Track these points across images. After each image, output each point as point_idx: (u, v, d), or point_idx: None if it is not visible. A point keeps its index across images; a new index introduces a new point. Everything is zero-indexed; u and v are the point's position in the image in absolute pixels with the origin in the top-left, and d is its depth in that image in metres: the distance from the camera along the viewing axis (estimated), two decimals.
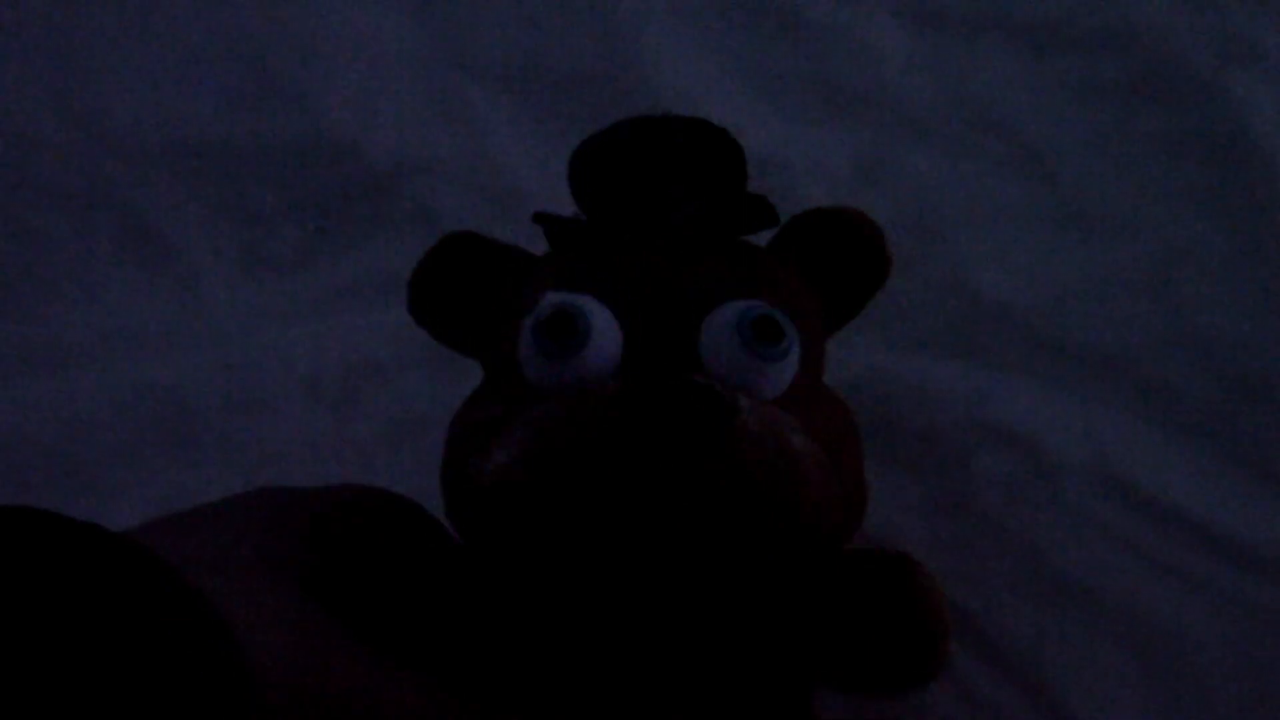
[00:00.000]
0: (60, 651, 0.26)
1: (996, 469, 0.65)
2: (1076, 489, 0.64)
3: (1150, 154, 0.73)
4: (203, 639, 0.30)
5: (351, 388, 0.69)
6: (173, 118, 0.76)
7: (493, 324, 0.47)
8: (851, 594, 0.43)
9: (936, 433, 0.66)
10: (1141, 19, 0.76)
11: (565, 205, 0.50)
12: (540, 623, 0.42)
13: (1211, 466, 0.64)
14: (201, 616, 0.30)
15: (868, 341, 0.64)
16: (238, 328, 0.72)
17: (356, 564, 0.41)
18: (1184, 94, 0.74)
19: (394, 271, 0.69)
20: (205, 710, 0.29)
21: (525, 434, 0.40)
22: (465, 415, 0.47)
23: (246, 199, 0.74)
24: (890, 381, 0.66)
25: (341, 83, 0.77)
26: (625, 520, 0.39)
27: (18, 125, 0.76)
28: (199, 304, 0.72)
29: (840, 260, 0.49)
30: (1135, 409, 0.66)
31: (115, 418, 0.68)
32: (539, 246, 0.49)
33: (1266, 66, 0.74)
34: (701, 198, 0.48)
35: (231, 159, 0.75)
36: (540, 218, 0.48)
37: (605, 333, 0.42)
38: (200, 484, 0.67)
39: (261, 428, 0.68)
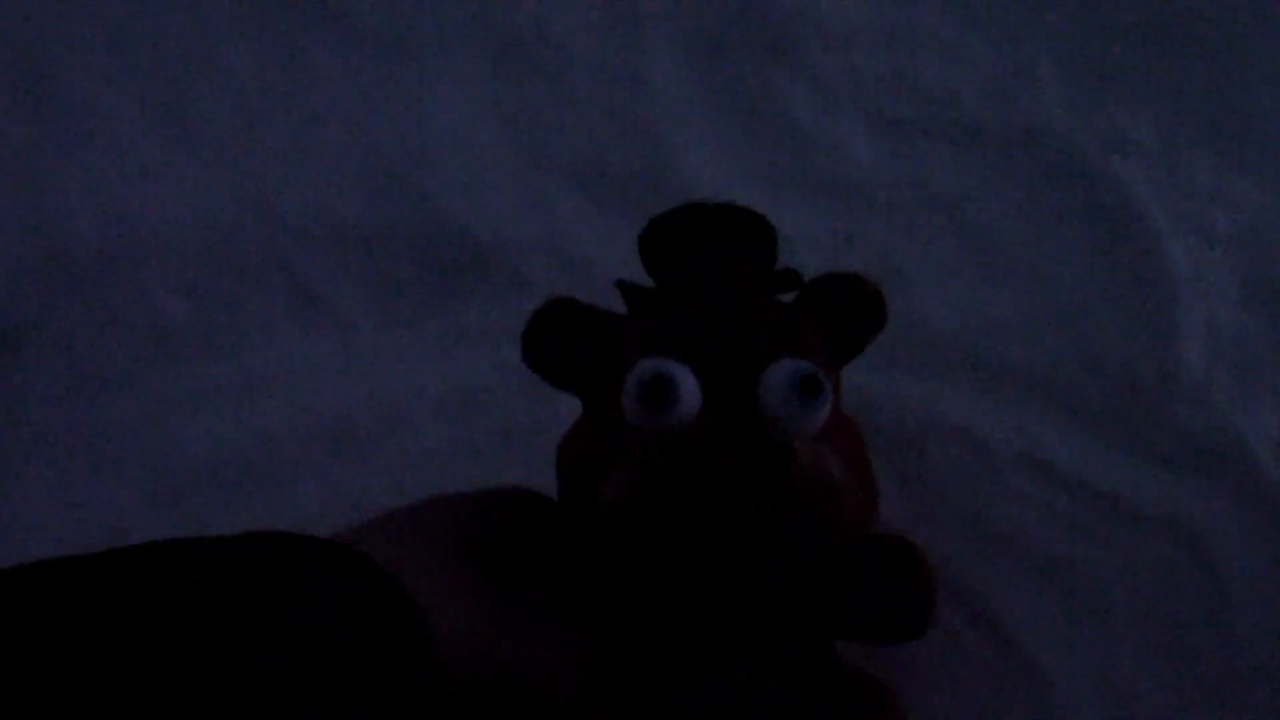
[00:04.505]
0: (301, 625, 0.30)
1: (946, 456, 0.66)
2: (1007, 469, 0.66)
3: (1054, 221, 0.74)
4: (396, 614, 0.33)
5: (468, 408, 0.70)
6: (329, 206, 0.77)
7: (590, 370, 0.47)
8: (868, 571, 0.45)
9: (900, 429, 0.67)
10: (1048, 121, 0.78)
11: (624, 270, 0.51)
12: (644, 592, 0.44)
13: (1110, 448, 0.66)
14: (397, 599, 0.33)
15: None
16: (380, 365, 0.72)
17: (512, 549, 0.42)
18: (1079, 175, 0.75)
19: (495, 322, 0.72)
20: (399, 664, 0.32)
21: (635, 473, 0.42)
22: (577, 444, 0.48)
23: (385, 267, 0.75)
24: (866, 392, 0.67)
25: (453, 181, 0.78)
26: (713, 538, 0.42)
27: (210, 214, 0.77)
28: (351, 347, 0.73)
29: (851, 313, 0.49)
30: (1050, 407, 0.68)
31: (291, 433, 0.70)
32: (611, 303, 0.50)
33: (1141, 155, 0.76)
34: (745, 267, 0.49)
35: (373, 237, 0.76)
36: (620, 285, 0.49)
37: (690, 391, 0.43)
38: (356, 481, 0.68)
39: (401, 439, 0.70)
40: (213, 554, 0.31)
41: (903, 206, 0.76)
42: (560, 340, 0.48)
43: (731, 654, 0.44)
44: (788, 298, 0.50)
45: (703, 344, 0.45)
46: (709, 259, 0.49)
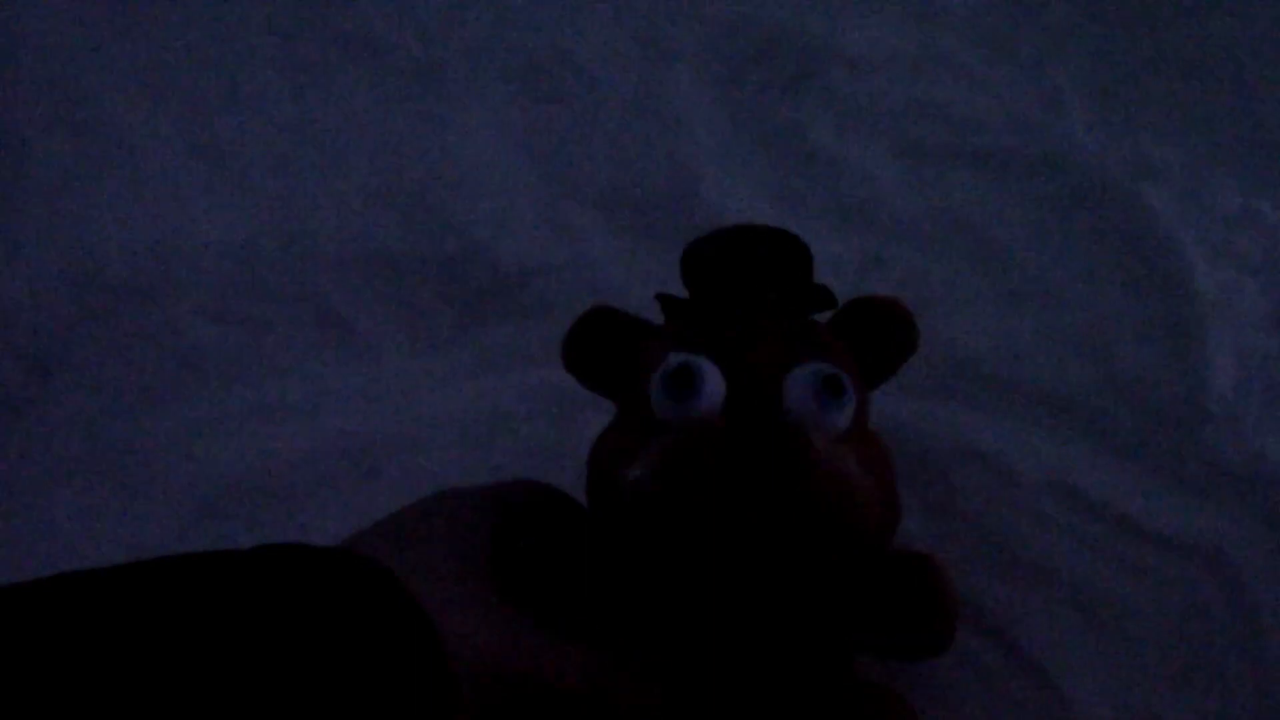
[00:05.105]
0: (312, 640, 0.30)
1: (973, 481, 0.66)
2: (1034, 495, 0.65)
3: (1081, 247, 0.74)
4: (408, 632, 0.33)
5: (491, 431, 0.71)
6: (357, 233, 0.78)
7: (626, 371, 0.49)
8: (891, 585, 0.45)
9: (927, 455, 0.67)
10: (1072, 146, 0.78)
11: (650, 296, 0.52)
12: (662, 589, 0.44)
13: (1137, 473, 0.65)
14: (408, 613, 0.33)
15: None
16: (406, 389, 0.73)
17: (528, 547, 0.43)
18: (1106, 201, 0.75)
19: (521, 346, 0.72)
20: (410, 690, 0.32)
21: (657, 455, 0.43)
22: (607, 440, 0.49)
23: (411, 294, 0.76)
24: (892, 418, 0.67)
25: (479, 208, 0.78)
26: (728, 520, 0.42)
27: (240, 240, 0.78)
28: (378, 372, 0.74)
29: (883, 336, 0.51)
30: (1078, 434, 0.67)
31: (317, 457, 0.70)
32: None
33: (1168, 179, 0.75)
34: (781, 285, 0.50)
35: (401, 265, 0.77)
36: (660, 297, 0.51)
37: (713, 384, 0.45)
38: (382, 504, 0.65)
39: (425, 462, 0.70)
40: (219, 568, 0.31)
41: (928, 232, 0.76)
42: (598, 344, 0.51)
43: (751, 658, 0.44)
44: (822, 318, 0.52)
45: (730, 344, 0.47)
46: (746, 277, 0.50)
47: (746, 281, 0.50)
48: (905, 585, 0.45)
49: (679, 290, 0.53)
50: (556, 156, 0.81)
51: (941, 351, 0.71)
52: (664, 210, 0.78)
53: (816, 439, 0.43)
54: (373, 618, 0.32)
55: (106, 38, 0.85)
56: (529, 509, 0.45)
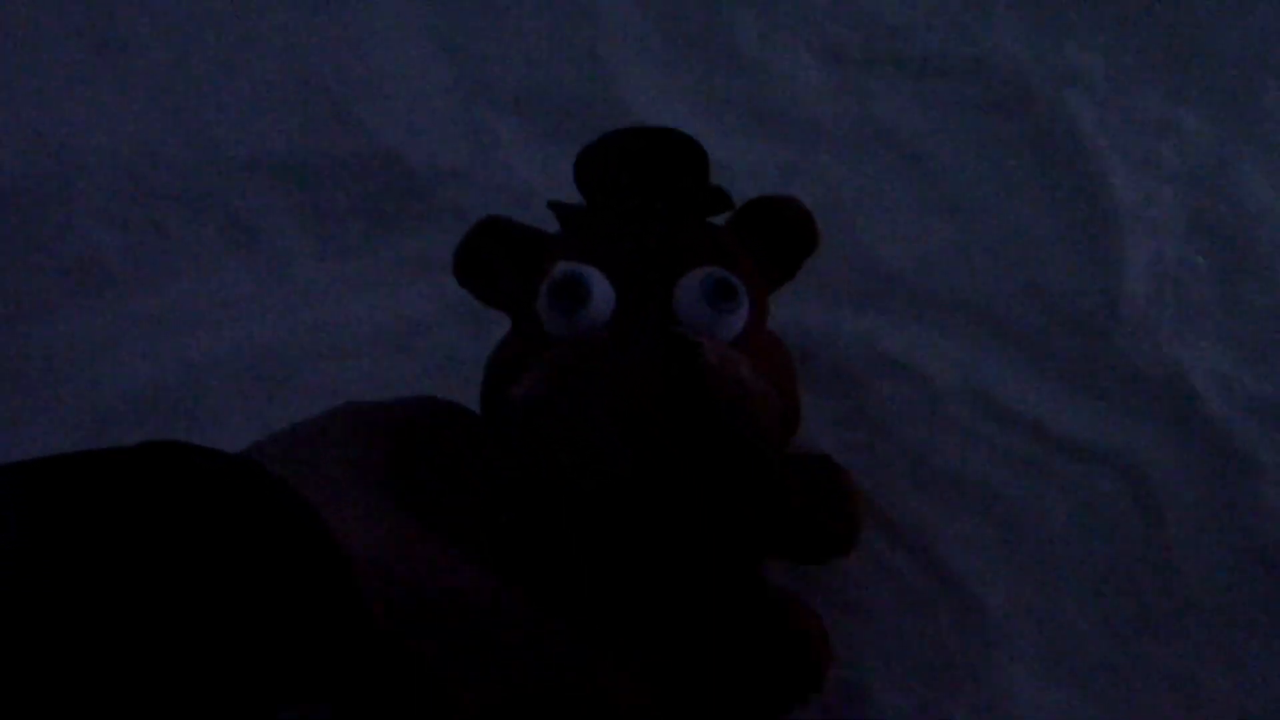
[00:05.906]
0: (199, 550, 0.28)
1: (889, 390, 0.66)
2: (949, 403, 0.65)
3: (1002, 154, 0.73)
4: (304, 533, 0.31)
5: (404, 339, 0.70)
6: (264, 138, 0.76)
7: (518, 284, 0.48)
8: (793, 486, 0.45)
9: (843, 365, 0.67)
10: (997, 52, 0.77)
11: (567, 198, 0.51)
12: (558, 506, 0.43)
13: (1052, 382, 0.66)
14: (303, 517, 0.32)
15: (792, 298, 0.65)
16: (316, 296, 0.72)
17: (426, 459, 0.42)
18: (1028, 108, 0.74)
19: (433, 253, 0.71)
20: (311, 588, 0.31)
21: (540, 374, 0.43)
22: (498, 355, 0.49)
23: (320, 199, 0.74)
24: (808, 327, 0.67)
25: (390, 110, 0.77)
26: (615, 431, 0.41)
27: (146, 144, 0.76)
28: (286, 279, 0.72)
29: (782, 235, 0.51)
30: (993, 342, 0.67)
31: (224, 366, 0.69)
32: (550, 228, 0.51)
33: (1090, 86, 0.75)
34: (675, 188, 0.50)
35: (309, 169, 0.75)
36: (552, 205, 0.50)
37: (602, 294, 0.45)
38: (290, 415, 0.66)
39: (336, 371, 0.69)
40: (106, 471, 0.29)
41: (849, 138, 0.75)
42: (491, 257, 0.50)
43: (652, 571, 0.44)
44: (721, 220, 0.51)
45: (619, 252, 0.47)
46: (639, 181, 0.50)
47: (639, 185, 0.50)
48: (810, 488, 0.46)
49: (579, 197, 0.51)
50: (470, 57, 0.79)
51: (859, 259, 0.70)
52: (581, 114, 0.76)
53: (709, 346, 0.42)
54: (257, 509, 0.31)
55: None
56: (430, 428, 0.43)
